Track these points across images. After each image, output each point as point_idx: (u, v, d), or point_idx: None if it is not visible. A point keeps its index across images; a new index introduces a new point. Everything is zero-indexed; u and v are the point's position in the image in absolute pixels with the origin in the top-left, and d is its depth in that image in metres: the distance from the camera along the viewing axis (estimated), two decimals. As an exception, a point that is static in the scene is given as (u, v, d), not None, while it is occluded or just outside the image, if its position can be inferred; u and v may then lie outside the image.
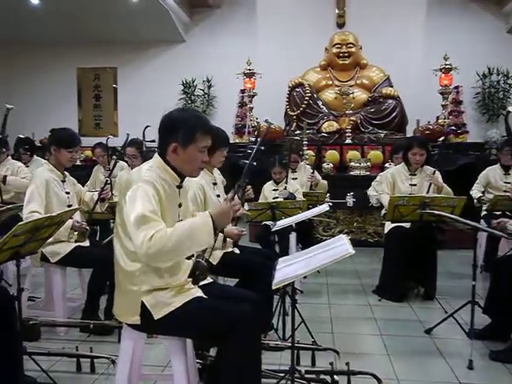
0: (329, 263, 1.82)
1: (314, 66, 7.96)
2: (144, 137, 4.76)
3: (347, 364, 2.50)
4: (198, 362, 2.28)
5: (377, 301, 3.89)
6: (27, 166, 4.81)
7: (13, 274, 4.01)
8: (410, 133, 7.30)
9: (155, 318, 1.84)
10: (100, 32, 9.23)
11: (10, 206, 3.56)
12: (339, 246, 1.90)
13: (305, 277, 4.01)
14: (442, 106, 7.35)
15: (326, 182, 5.15)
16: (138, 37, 9.46)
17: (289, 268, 1.95)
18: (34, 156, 5.21)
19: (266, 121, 2.34)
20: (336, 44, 7.73)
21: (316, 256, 1.93)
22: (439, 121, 7.27)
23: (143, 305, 1.85)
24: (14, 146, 5.26)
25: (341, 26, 8.74)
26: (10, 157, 4.66)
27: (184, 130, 1.88)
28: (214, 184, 2.99)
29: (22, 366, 2.32)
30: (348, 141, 6.79)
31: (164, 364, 2.65)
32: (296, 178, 4.81)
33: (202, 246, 1.79)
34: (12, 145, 5.25)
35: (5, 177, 4.21)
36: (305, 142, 6.13)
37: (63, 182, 3.25)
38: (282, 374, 2.37)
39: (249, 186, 3.00)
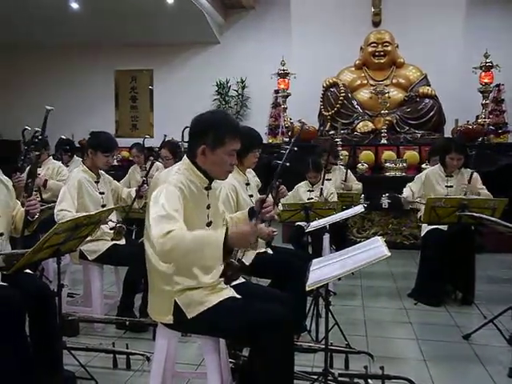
0: (364, 265, 1.79)
1: (348, 65, 7.87)
2: (183, 138, 4.82)
3: (382, 368, 2.45)
4: (230, 362, 2.29)
5: (412, 304, 3.81)
6: (67, 166, 4.96)
7: (53, 271, 4.15)
8: (447, 132, 7.12)
9: (188, 318, 1.86)
10: (136, 35, 9.43)
11: (50, 205, 3.68)
12: (375, 248, 1.88)
13: (339, 278, 3.96)
14: (482, 104, 7.13)
15: (360, 184, 5.06)
16: (173, 39, 9.61)
17: (323, 269, 1.93)
18: (74, 156, 5.36)
19: (300, 121, 2.32)
20: (372, 43, 7.62)
21: (351, 258, 1.91)
22: (479, 120, 7.05)
23: (176, 304, 1.87)
24: (55, 147, 5.42)
25: (377, 24, 8.61)
26: (51, 157, 4.82)
27: (213, 133, 1.89)
28: (247, 184, 3.00)
29: (61, 360, 2.40)
30: (383, 141, 6.68)
31: (197, 363, 2.68)
32: (330, 179, 4.77)
33: (210, 261, 1.68)
34: (53, 145, 5.42)
35: (45, 181, 4.36)
36: (339, 143, 6.07)
37: (97, 182, 3.33)
38: (316, 376, 2.35)
39: (282, 186, 2.99)
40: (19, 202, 2.51)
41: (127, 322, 3.11)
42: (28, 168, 3.81)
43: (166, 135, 3.90)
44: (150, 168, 3.98)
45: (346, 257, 1.96)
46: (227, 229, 1.65)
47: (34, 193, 2.55)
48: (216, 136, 1.89)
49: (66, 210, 3.01)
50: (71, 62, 10.38)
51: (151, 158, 4.12)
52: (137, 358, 2.70)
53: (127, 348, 2.73)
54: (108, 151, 3.29)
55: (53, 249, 2.17)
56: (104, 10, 8.14)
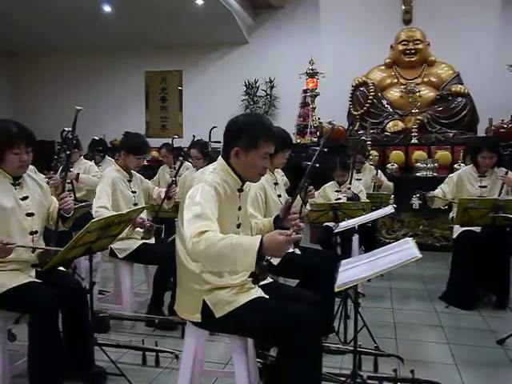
0: (394, 267, 1.77)
1: (378, 64, 7.77)
2: (210, 138, 4.85)
3: (412, 372, 2.41)
4: (258, 362, 2.29)
5: (444, 308, 3.73)
6: (99, 166, 5.06)
7: (85, 269, 4.24)
8: (481, 132, 6.94)
9: (216, 317, 1.87)
10: (166, 36, 9.56)
11: (83, 203, 3.77)
12: (405, 250, 1.84)
13: (368, 280, 3.91)
14: (518, 103, 6.92)
15: (391, 183, 5.00)
16: (202, 40, 9.70)
17: (352, 271, 1.91)
18: (106, 157, 5.47)
19: (330, 123, 2.31)
20: (402, 41, 7.50)
21: (381, 259, 1.88)
22: (514, 119, 6.84)
23: (204, 303, 1.88)
24: (89, 147, 5.54)
25: (407, 22, 8.47)
26: (82, 157, 4.93)
27: (247, 136, 1.90)
28: (276, 184, 3.00)
29: (93, 356, 2.45)
30: (414, 141, 6.56)
31: (225, 361, 2.69)
32: (360, 179, 4.72)
33: (241, 267, 1.65)
34: (86, 146, 5.53)
35: (78, 175, 4.46)
36: (368, 142, 5.99)
37: (129, 181, 3.39)
38: (344, 378, 2.33)
39: (311, 187, 2.98)
40: (55, 199, 2.58)
41: (156, 320, 3.16)
42: (61, 167, 3.92)
43: (194, 135, 3.93)
44: (179, 168, 4.02)
45: (375, 258, 1.93)
46: (262, 236, 1.63)
47: (67, 192, 2.61)
48: (250, 139, 1.90)
49: (104, 206, 3.08)
50: (103, 64, 10.62)
51: (180, 157, 4.16)
52: (166, 355, 2.73)
53: (156, 345, 2.76)
54: (140, 154, 3.35)
55: (85, 247, 2.22)
56: (134, 12, 8.28)
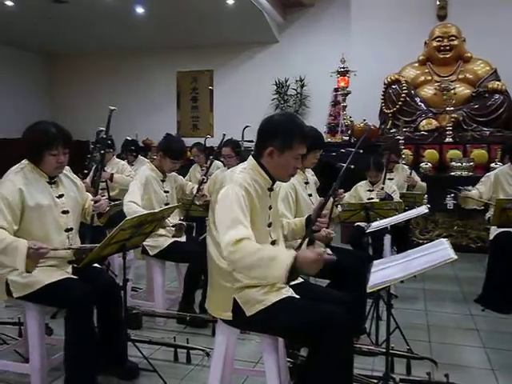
0: (428, 268, 1.73)
1: (412, 61, 7.61)
2: (243, 137, 4.86)
3: (446, 376, 2.36)
4: (288, 361, 2.29)
5: (480, 310, 3.63)
6: (132, 166, 5.15)
7: (118, 266, 4.33)
8: (519, 130, 6.70)
9: (247, 315, 1.88)
10: (198, 36, 9.64)
11: (117, 202, 3.84)
12: (440, 251, 1.80)
13: (401, 281, 3.85)
14: (560, 100, 6.65)
15: (424, 183, 4.89)
16: (233, 39, 9.74)
17: (384, 271, 1.88)
18: (138, 156, 5.57)
19: (365, 124, 2.28)
20: (437, 37, 7.32)
21: (414, 260, 1.85)
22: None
23: (235, 301, 1.89)
24: (122, 147, 5.64)
25: (442, 18, 8.25)
26: (115, 156, 5.03)
27: (282, 136, 1.90)
28: (306, 183, 2.98)
29: (126, 352, 2.50)
30: (448, 139, 6.40)
31: (255, 360, 2.70)
32: (392, 179, 4.64)
33: (272, 280, 1.75)
34: (119, 145, 5.64)
35: (112, 175, 4.56)
36: (401, 141, 5.89)
37: (163, 181, 3.43)
38: (376, 381, 2.30)
39: (341, 190, 2.94)
40: (90, 195, 2.64)
41: (188, 318, 3.19)
42: (94, 167, 4.01)
43: (224, 134, 3.95)
44: (210, 167, 4.05)
45: (409, 259, 1.90)
46: (296, 253, 1.65)
47: (101, 191, 2.66)
48: (285, 139, 1.90)
49: (134, 201, 3.13)
50: (135, 65, 10.80)
51: (210, 156, 4.20)
52: (197, 352, 2.76)
53: (187, 343, 2.80)
54: (176, 159, 3.39)
55: (119, 244, 2.27)
56: (166, 13, 8.37)
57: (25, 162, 2.39)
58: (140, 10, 8.36)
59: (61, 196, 2.41)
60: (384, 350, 2.11)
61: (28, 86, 11.13)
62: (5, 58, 10.52)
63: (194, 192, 3.59)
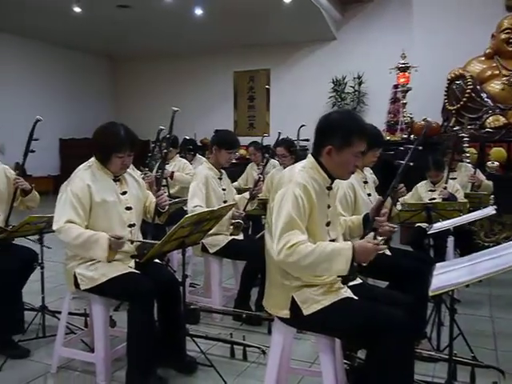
0: (497, 272, 1.64)
1: (477, 55, 7.26)
2: (298, 136, 4.84)
3: (514, 386, 2.23)
4: (345, 363, 2.25)
5: (552, 319, 3.42)
6: (191, 164, 5.27)
7: (177, 262, 4.44)
8: None
9: (304, 314, 1.87)
10: (255, 36, 9.71)
11: (177, 199, 3.95)
12: (510, 254, 1.70)
13: (466, 285, 3.69)
14: None
15: (491, 183, 4.66)
16: (289, 38, 9.72)
17: (448, 275, 1.81)
18: (196, 155, 5.68)
19: (425, 120, 2.21)
20: (505, 29, 6.92)
21: (481, 263, 1.76)
22: None
23: (293, 300, 1.89)
24: (180, 146, 5.79)
25: (511, 8, 7.82)
26: (178, 155, 5.17)
27: (341, 134, 1.88)
28: (365, 182, 2.92)
29: (184, 346, 2.56)
30: (518, 137, 6.05)
31: (311, 360, 2.68)
32: (455, 178, 4.45)
33: (335, 273, 1.80)
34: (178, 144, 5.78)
35: (172, 173, 4.69)
36: (465, 139, 5.63)
37: (220, 179, 3.48)
38: (437, 387, 2.22)
39: (401, 185, 2.86)
40: (151, 194, 2.73)
41: (244, 315, 3.22)
42: (157, 164, 4.13)
43: (280, 132, 3.94)
44: (265, 165, 4.06)
45: (475, 262, 1.81)
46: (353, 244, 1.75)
47: (162, 188, 2.75)
48: (344, 137, 1.88)
49: (199, 205, 3.20)
50: (193, 66, 11.04)
51: (266, 155, 4.21)
52: (253, 350, 2.78)
53: (244, 340, 2.82)
54: (231, 148, 3.43)
55: (179, 241, 2.33)
56: (223, 13, 8.49)
57: (93, 159, 2.51)
58: (199, 11, 8.52)
59: (124, 193, 2.51)
60: (446, 357, 2.03)
61: (93, 88, 11.69)
62: (72, 61, 11.11)
63: (247, 196, 3.58)
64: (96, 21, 8.82)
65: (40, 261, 2.92)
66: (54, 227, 2.34)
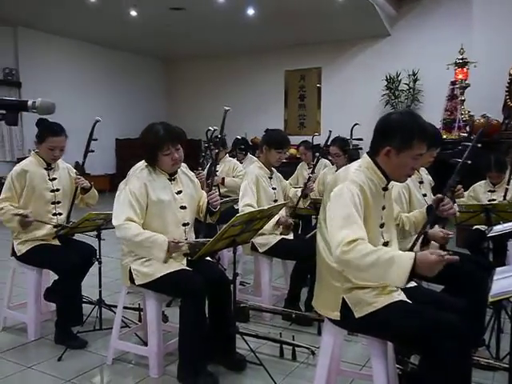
0: None
1: (543, 48, 6.88)
2: (351, 135, 4.76)
3: None
4: (397, 368, 2.20)
5: None
6: (241, 163, 5.32)
7: (228, 260, 4.50)
8: None
9: (356, 317, 1.84)
10: (306, 34, 9.64)
11: (227, 199, 4.00)
12: None
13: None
14: None
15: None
16: (342, 35, 9.57)
17: (509, 280, 1.73)
18: (248, 154, 5.72)
19: (484, 116, 2.12)
20: None
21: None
22: None
23: (344, 301, 1.86)
24: (232, 146, 5.85)
25: None
26: (227, 155, 5.22)
27: (401, 136, 1.82)
28: (420, 183, 2.84)
29: (234, 344, 2.59)
30: None
31: (362, 363, 2.63)
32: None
33: (391, 282, 1.68)
34: (230, 144, 5.84)
35: (223, 179, 4.74)
36: (528, 137, 5.35)
37: (270, 178, 3.49)
38: (496, 398, 2.12)
39: (459, 186, 2.76)
40: (204, 193, 2.78)
41: (293, 315, 3.21)
42: (208, 165, 4.20)
43: (330, 131, 3.90)
44: (316, 164, 4.03)
45: (539, 268, 1.72)
46: (415, 254, 1.61)
47: (213, 187, 2.80)
48: (404, 139, 1.82)
49: (250, 204, 3.23)
50: (245, 65, 11.12)
51: (317, 154, 4.18)
52: (302, 350, 2.77)
53: (293, 340, 2.81)
54: (281, 148, 3.42)
55: (230, 239, 2.35)
56: (275, 12, 8.48)
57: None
58: (251, 11, 8.56)
59: (179, 192, 2.57)
60: (507, 365, 1.93)
61: (146, 89, 12.04)
62: (127, 63, 11.49)
63: (299, 194, 3.59)
64: (150, 23, 9.08)
65: (98, 256, 3.05)
66: (114, 223, 2.42)
